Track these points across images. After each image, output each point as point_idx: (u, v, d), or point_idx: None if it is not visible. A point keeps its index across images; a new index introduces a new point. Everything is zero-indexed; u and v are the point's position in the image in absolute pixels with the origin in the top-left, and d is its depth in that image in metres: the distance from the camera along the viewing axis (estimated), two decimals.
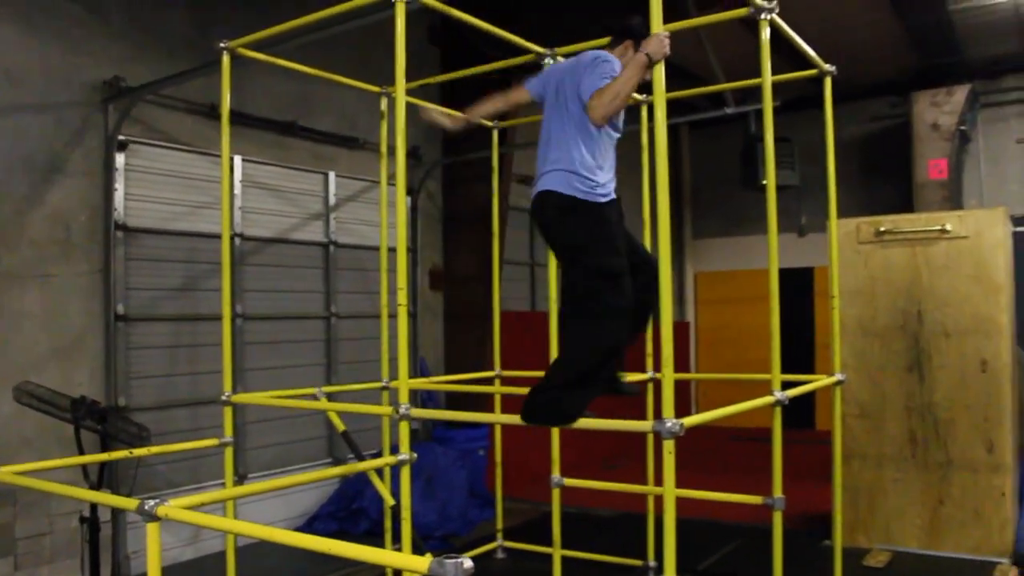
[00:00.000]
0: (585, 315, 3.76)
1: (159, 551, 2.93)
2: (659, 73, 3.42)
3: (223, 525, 2.98)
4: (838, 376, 5.48)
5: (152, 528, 2.91)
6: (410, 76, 4.17)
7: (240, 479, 7.39)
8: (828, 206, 5.61)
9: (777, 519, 4.53)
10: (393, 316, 4.46)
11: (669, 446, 3.23)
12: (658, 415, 3.32)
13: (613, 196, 4.04)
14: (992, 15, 10.40)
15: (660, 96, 3.39)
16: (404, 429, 3.90)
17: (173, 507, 2.92)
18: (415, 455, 3.97)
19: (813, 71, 5.54)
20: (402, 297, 3.86)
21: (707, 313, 14.97)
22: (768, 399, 4.34)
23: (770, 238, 4.61)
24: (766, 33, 4.49)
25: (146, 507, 2.91)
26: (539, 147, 4.04)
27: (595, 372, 3.76)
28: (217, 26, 7.08)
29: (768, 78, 4.56)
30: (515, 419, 4.03)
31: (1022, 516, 6.64)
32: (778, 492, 4.55)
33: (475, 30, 4.84)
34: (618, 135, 4.09)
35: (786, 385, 4.54)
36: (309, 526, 7.74)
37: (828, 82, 5.50)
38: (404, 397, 3.88)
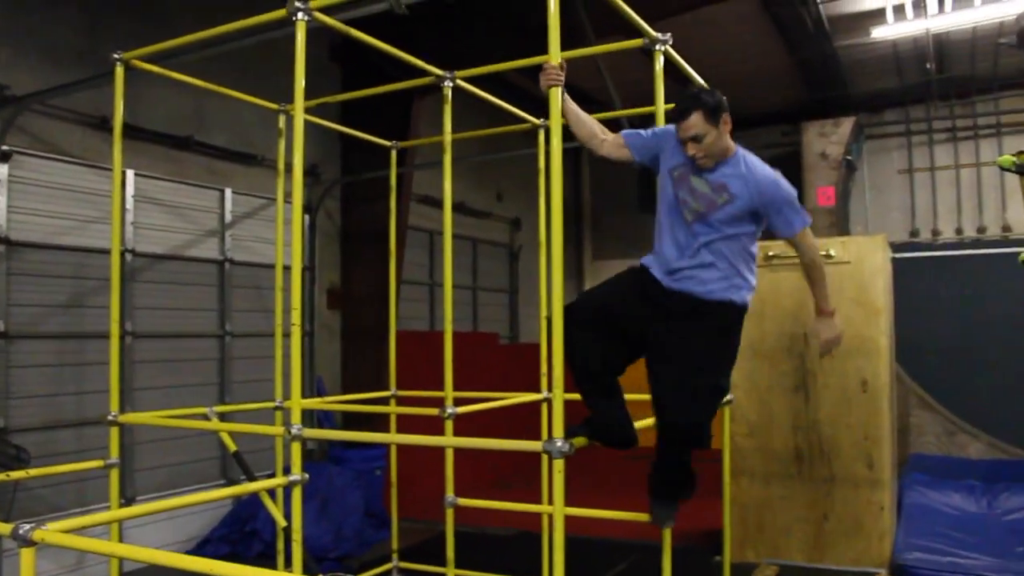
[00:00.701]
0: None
1: None
2: (555, 98, 3.49)
3: (104, 548, 2.89)
4: (727, 396, 5.64)
5: (26, 554, 2.81)
6: (310, 93, 4.16)
7: (128, 501, 7.18)
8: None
9: (666, 536, 4.62)
10: (288, 335, 4.42)
11: (559, 465, 3.28)
12: (550, 435, 3.37)
13: None
14: (873, 52, 10.93)
15: (556, 121, 3.46)
16: (296, 450, 3.86)
17: (51, 531, 2.83)
18: (307, 476, 3.93)
19: None
20: (296, 316, 3.84)
21: None
22: (652, 420, 4.43)
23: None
24: (660, 63, 4.64)
25: (20, 532, 2.81)
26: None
27: None
28: (109, 36, 6.90)
29: (661, 106, 4.71)
30: (408, 439, 4.04)
31: (899, 528, 6.92)
32: None
33: (376, 49, 4.83)
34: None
35: None
36: (200, 550, 7.55)
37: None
38: (296, 417, 3.85)
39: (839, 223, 11.96)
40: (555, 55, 3.50)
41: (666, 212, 3.90)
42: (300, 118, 3.89)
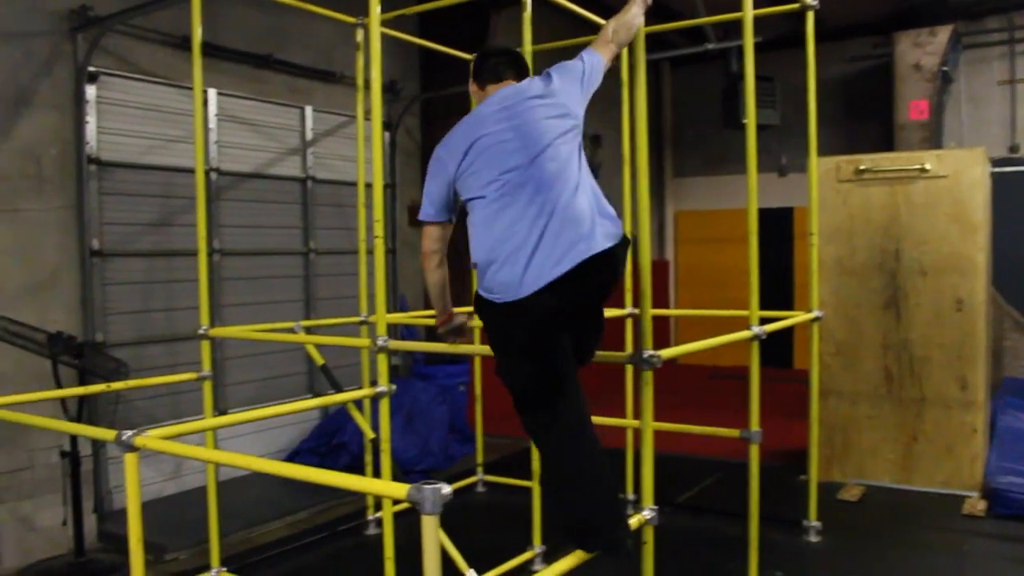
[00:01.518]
0: None
1: (138, 481, 2.93)
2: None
3: (201, 454, 2.98)
4: (815, 313, 5.52)
5: (130, 459, 2.91)
6: (387, 6, 4.09)
7: (220, 414, 7.39)
8: (809, 145, 5.59)
9: (754, 452, 4.59)
10: (371, 252, 4.43)
11: (647, 377, 3.25)
12: (637, 348, 3.33)
13: None
14: None
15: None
16: (382, 361, 3.90)
17: (151, 438, 2.92)
18: (394, 387, 3.97)
19: (795, 5, 5.48)
20: (379, 229, 3.83)
21: (687, 252, 14.98)
22: (746, 333, 4.38)
23: (749, 177, 4.61)
24: None
25: (123, 438, 2.91)
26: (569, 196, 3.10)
27: None
28: None
29: (750, 12, 4.52)
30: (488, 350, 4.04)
31: (992, 451, 6.75)
32: (755, 426, 4.61)
33: None
34: None
35: (764, 321, 4.57)
36: (290, 461, 7.76)
37: (810, 16, 5.46)
38: (382, 330, 3.87)
39: (933, 138, 11.46)
40: None
41: None
42: (376, 31, 3.82)
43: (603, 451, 3.10)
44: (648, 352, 3.22)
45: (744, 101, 10.35)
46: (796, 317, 5.47)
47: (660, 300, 13.57)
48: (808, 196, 5.79)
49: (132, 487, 2.92)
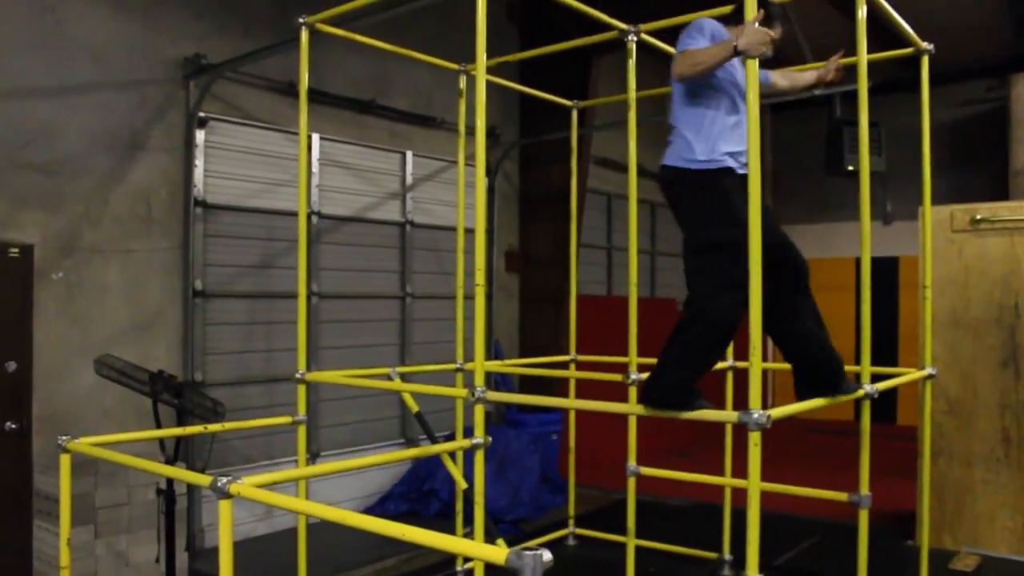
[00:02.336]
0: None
1: (231, 527, 2.90)
2: (752, 70, 3.26)
3: (293, 505, 2.93)
4: (929, 370, 5.24)
5: (224, 505, 2.88)
6: (488, 54, 4.07)
7: (313, 457, 7.43)
8: (922, 192, 5.36)
9: (863, 517, 4.34)
10: (469, 297, 4.38)
11: (755, 438, 3.09)
12: (743, 405, 3.17)
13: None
14: None
15: (753, 76, 3.23)
16: (479, 412, 3.82)
17: (245, 485, 2.88)
18: (490, 439, 3.89)
19: (908, 50, 5.28)
20: (480, 278, 3.78)
21: None
22: (858, 392, 4.15)
23: (863, 224, 4.41)
24: (863, 8, 4.26)
25: (219, 484, 2.88)
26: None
27: None
28: (298, 4, 7.05)
29: (864, 57, 4.34)
30: (589, 404, 3.95)
31: None
32: (865, 489, 4.37)
33: (555, 6, 4.69)
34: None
35: (875, 378, 4.35)
36: (381, 505, 7.75)
37: (925, 61, 5.24)
38: (480, 380, 3.80)
39: None
40: (751, 12, 3.24)
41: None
42: (482, 78, 3.80)
43: None
44: (757, 412, 3.06)
45: (848, 147, 10.13)
46: (909, 375, 5.20)
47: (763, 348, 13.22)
48: (918, 246, 5.54)
49: (225, 534, 2.88)
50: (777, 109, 14.15)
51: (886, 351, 12.01)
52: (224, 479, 2.89)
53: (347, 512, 2.69)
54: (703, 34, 3.77)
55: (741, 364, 5.87)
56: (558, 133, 8.14)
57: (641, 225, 11.63)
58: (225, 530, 2.89)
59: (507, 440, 7.98)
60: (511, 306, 9.61)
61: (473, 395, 3.76)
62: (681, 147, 3.98)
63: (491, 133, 9.00)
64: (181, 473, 3.63)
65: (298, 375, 4.84)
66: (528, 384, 9.01)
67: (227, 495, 2.87)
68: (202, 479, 3.08)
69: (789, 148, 14.47)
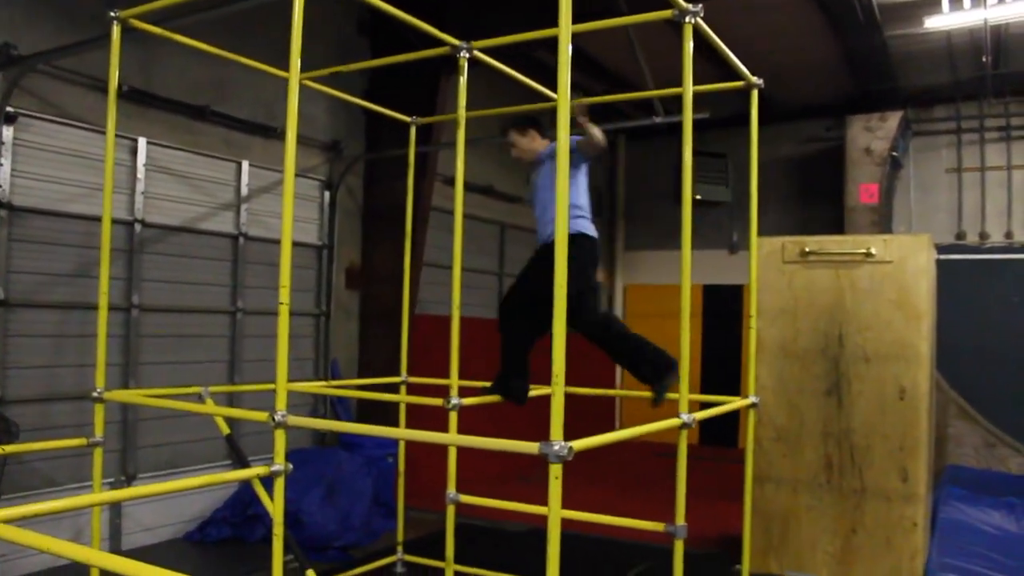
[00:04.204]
0: None
1: None
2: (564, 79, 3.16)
3: (39, 543, 2.61)
4: (752, 399, 5.30)
5: None
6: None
7: (128, 479, 6.98)
8: (750, 224, 5.44)
9: (678, 548, 4.31)
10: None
11: (556, 471, 2.97)
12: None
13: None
14: (925, 43, 10.44)
15: (564, 95, 3.13)
16: (280, 438, 3.61)
17: None
18: (291, 466, 3.68)
19: (739, 83, 5.36)
20: (283, 295, 3.57)
21: (636, 326, 14.72)
22: (675, 421, 4.13)
23: (683, 253, 4.46)
24: (689, 38, 4.27)
25: None
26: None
27: None
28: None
29: (689, 86, 4.36)
30: (410, 434, 3.80)
31: (932, 546, 6.53)
32: (680, 520, 4.33)
33: (404, 23, 4.59)
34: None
35: (705, 406, 4.35)
36: (201, 531, 7.34)
37: (755, 95, 5.34)
38: (281, 403, 3.59)
39: (882, 222, 11.49)
40: (565, 27, 3.14)
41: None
42: (295, 84, 3.62)
43: None
44: (558, 444, 2.94)
45: (696, 176, 10.35)
46: (732, 403, 5.24)
47: (607, 377, 13.32)
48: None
49: None
50: (632, 137, 14.41)
51: (732, 376, 12.32)
52: None
53: (101, 553, 2.43)
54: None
55: (570, 390, 5.81)
56: (403, 149, 7.97)
57: (489, 246, 11.60)
58: None
59: (339, 462, 7.70)
60: (351, 325, 9.33)
61: (273, 420, 3.53)
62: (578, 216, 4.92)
63: (333, 147, 8.72)
64: None
65: (95, 393, 4.49)
66: (366, 405, 8.76)
67: None
68: None
69: (641, 176, 14.73)
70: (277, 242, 8.06)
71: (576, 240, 4.61)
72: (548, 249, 4.78)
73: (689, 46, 4.24)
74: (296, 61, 3.60)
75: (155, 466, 7.20)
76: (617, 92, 7.57)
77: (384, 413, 8.30)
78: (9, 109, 6.07)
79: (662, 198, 13.59)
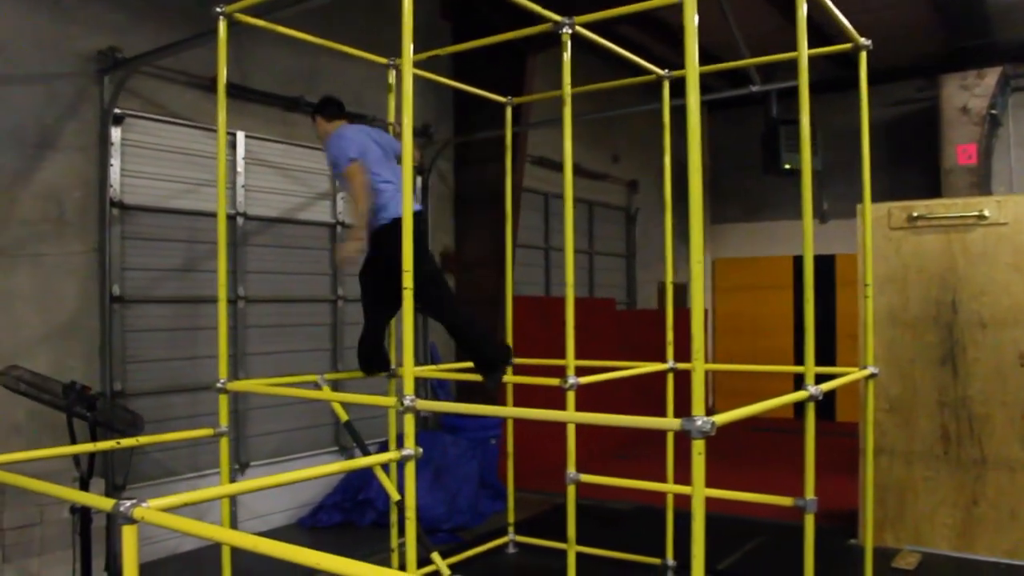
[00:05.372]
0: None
1: (136, 557, 2.65)
2: (692, 47, 3.08)
3: (202, 531, 2.68)
4: (870, 369, 5.16)
5: (128, 532, 2.62)
6: (419, 48, 3.87)
7: (242, 468, 7.14)
8: (862, 189, 5.29)
9: (809, 522, 4.24)
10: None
11: (699, 447, 2.93)
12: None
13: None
14: None
15: (693, 69, 3.06)
16: (409, 422, 3.62)
17: (151, 509, 2.64)
18: (420, 450, 3.68)
19: (847, 46, 5.19)
20: (407, 280, 3.56)
21: (725, 300, 14.63)
22: (802, 394, 4.03)
23: (805, 223, 4.32)
24: (804, 6, 4.13)
25: (121, 509, 2.63)
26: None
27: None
28: None
29: (804, 52, 4.23)
30: (526, 412, 3.80)
31: None
32: (810, 494, 4.25)
33: (489, 2, 4.53)
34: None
35: (818, 379, 4.24)
36: (313, 517, 7.47)
37: (863, 57, 5.17)
38: (409, 388, 3.60)
39: (981, 183, 11.09)
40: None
41: None
42: (409, 72, 3.59)
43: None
44: (700, 419, 2.89)
45: (785, 146, 10.12)
46: (851, 375, 5.11)
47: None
48: (856, 243, 5.47)
49: (130, 564, 2.64)
50: (714, 108, 14.17)
51: (825, 350, 12.07)
52: (127, 502, 2.64)
53: (260, 539, 2.47)
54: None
55: (682, 366, 5.75)
56: (493, 131, 7.95)
57: (578, 224, 11.49)
58: (130, 559, 2.64)
59: (444, 446, 7.76)
60: None
61: (402, 405, 3.55)
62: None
63: (423, 131, 8.74)
64: (82, 496, 3.36)
65: (219, 384, 4.57)
66: (466, 389, 8.80)
67: (131, 520, 2.63)
68: (104, 503, 2.82)
69: (726, 148, 14.50)
70: None
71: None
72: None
73: (803, 9, 4.10)
74: (408, 48, 3.56)
75: (264, 454, 7.35)
76: (705, 63, 7.42)
77: (484, 395, 8.33)
78: (116, 110, 6.21)
79: (749, 169, 13.33)
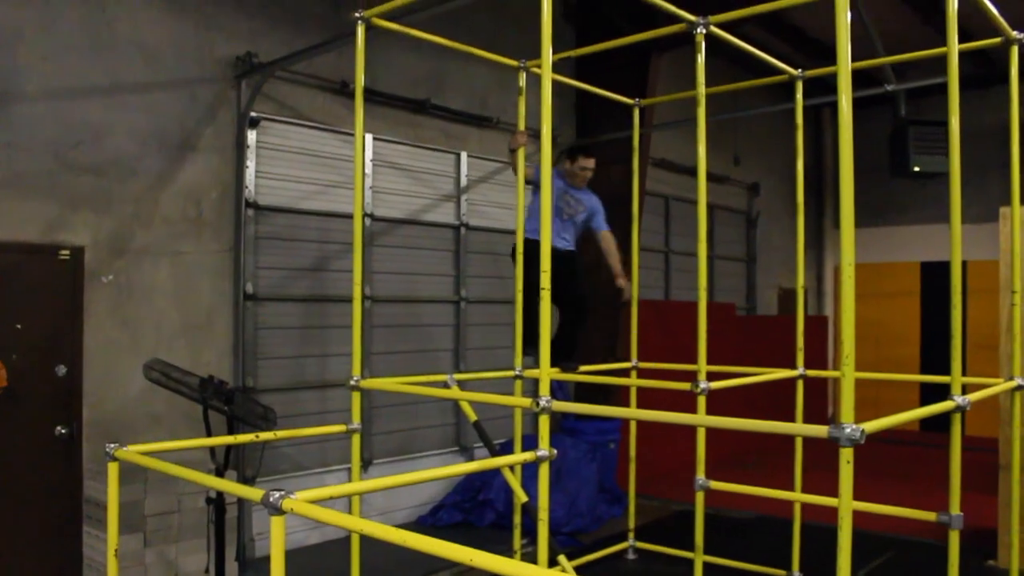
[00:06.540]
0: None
1: (284, 544, 2.73)
2: (844, 46, 2.99)
3: (348, 523, 2.76)
4: (1017, 380, 4.92)
5: (276, 521, 2.70)
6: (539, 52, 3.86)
7: (365, 464, 7.27)
8: (1011, 190, 5.06)
9: (953, 538, 4.07)
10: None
11: (847, 455, 2.83)
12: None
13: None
14: None
15: (845, 70, 2.97)
16: (544, 423, 3.61)
17: (299, 501, 2.71)
18: (555, 452, 3.67)
19: (996, 40, 4.96)
20: (545, 281, 3.55)
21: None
22: (948, 404, 3.87)
23: (953, 227, 4.15)
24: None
25: (271, 500, 2.70)
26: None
27: None
28: (347, 1, 6.92)
29: (955, 47, 4.06)
30: (661, 415, 3.74)
31: None
32: (955, 509, 4.08)
33: (613, 4, 4.49)
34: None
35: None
36: (434, 515, 7.56)
37: (1015, 51, 4.93)
38: (545, 389, 3.58)
39: None
40: None
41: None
42: (548, 73, 3.58)
43: None
44: (850, 427, 2.80)
45: (913, 148, 9.72)
46: (997, 385, 4.88)
47: (819, 358, 12.86)
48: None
49: (278, 550, 2.71)
50: (837, 109, 13.77)
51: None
52: (277, 494, 2.71)
53: (407, 532, 2.49)
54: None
55: (812, 373, 5.60)
56: (616, 133, 7.91)
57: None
58: (277, 546, 2.72)
59: (564, 449, 7.75)
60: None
61: (538, 405, 3.55)
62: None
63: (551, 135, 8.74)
64: (232, 486, 3.46)
65: (352, 381, 4.65)
66: (582, 391, 8.77)
67: (279, 511, 2.70)
68: (254, 493, 2.90)
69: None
70: (497, 231, 8.25)
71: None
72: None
73: (954, 2, 3.94)
74: (547, 52, 3.56)
75: (388, 452, 7.47)
76: (821, 62, 7.23)
77: (605, 399, 8.30)
78: (252, 114, 6.41)
79: (874, 171, 12.91)
